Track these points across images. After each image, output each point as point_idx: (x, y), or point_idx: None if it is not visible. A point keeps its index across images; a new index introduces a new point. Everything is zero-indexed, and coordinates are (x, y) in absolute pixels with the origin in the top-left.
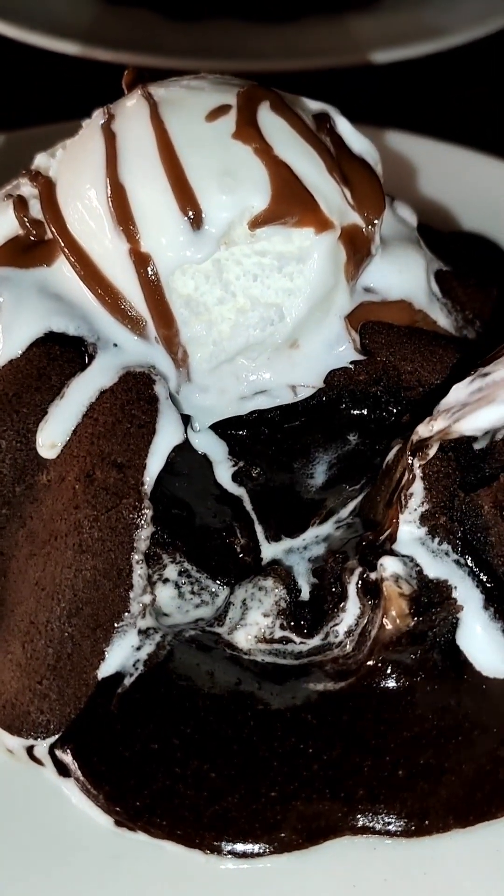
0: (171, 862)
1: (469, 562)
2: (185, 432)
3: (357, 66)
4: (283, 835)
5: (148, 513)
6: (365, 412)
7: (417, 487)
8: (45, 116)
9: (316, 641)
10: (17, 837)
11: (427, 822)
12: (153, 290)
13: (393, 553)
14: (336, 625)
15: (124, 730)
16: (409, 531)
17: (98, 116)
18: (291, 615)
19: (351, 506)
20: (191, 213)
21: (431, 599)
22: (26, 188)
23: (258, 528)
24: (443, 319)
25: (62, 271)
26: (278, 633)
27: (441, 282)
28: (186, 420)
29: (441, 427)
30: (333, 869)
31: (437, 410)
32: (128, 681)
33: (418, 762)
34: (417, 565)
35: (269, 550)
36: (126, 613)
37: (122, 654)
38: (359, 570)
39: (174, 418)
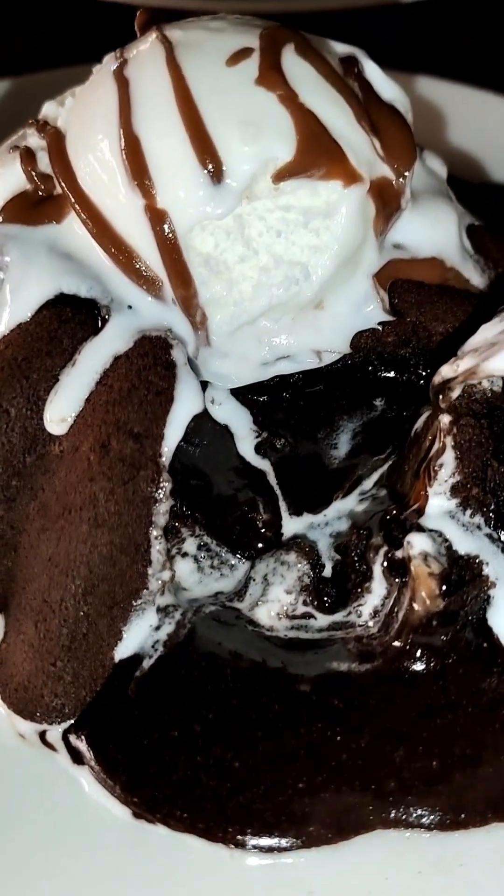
0: (193, 856)
1: (503, 536)
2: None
3: (382, 4)
4: (311, 829)
5: (167, 486)
6: (392, 375)
7: (448, 457)
8: (53, 60)
9: (338, 618)
10: (32, 827)
11: (464, 816)
12: (170, 248)
13: (420, 528)
14: (361, 605)
15: (142, 715)
16: (438, 504)
17: (109, 61)
18: (315, 592)
19: (375, 476)
20: (210, 165)
21: (462, 577)
22: (33, 139)
23: (282, 504)
24: (476, 278)
25: (73, 229)
26: (300, 610)
27: (472, 237)
28: (205, 387)
29: (468, 367)
30: (363, 860)
31: (461, 351)
32: (147, 663)
33: (453, 752)
34: (447, 541)
35: (290, 525)
36: (144, 591)
37: (141, 634)
38: (384, 548)
39: (193, 385)
